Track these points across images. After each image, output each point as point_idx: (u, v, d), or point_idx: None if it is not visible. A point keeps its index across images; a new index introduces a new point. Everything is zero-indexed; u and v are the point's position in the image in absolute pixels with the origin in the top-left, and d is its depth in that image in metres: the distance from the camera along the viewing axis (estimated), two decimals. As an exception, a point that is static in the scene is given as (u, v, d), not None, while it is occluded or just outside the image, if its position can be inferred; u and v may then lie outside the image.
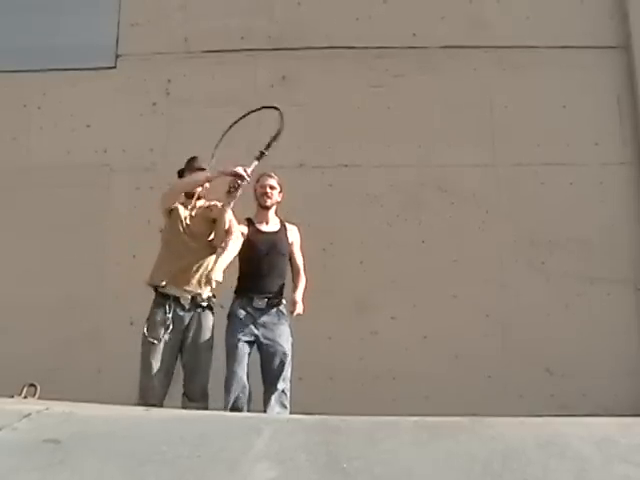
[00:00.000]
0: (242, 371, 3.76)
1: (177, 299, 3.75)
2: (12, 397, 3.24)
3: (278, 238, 4.04)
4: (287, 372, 3.84)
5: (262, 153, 3.81)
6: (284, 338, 3.87)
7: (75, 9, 5.70)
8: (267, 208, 4.06)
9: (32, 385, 3.30)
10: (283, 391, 3.81)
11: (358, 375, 4.93)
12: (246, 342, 3.82)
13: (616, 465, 1.99)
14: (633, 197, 5.21)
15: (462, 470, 1.96)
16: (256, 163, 3.81)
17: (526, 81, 5.40)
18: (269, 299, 3.90)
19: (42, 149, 5.46)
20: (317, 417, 2.80)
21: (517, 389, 4.89)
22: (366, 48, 5.49)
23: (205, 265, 3.82)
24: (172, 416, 2.85)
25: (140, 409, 2.94)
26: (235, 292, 3.97)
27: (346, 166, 5.31)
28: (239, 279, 3.97)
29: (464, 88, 5.41)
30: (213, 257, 3.83)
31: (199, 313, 3.79)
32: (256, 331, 3.84)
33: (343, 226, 5.17)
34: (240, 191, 3.77)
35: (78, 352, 5.03)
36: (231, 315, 3.90)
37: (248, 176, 3.73)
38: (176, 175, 4.12)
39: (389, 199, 5.25)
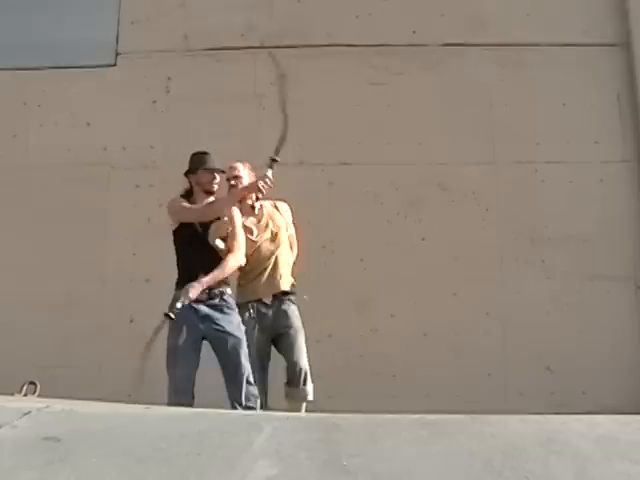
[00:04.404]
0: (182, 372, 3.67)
1: None
2: (12, 395, 3.24)
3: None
4: (244, 361, 3.69)
5: (274, 160, 3.79)
6: (233, 327, 3.74)
7: (75, 7, 5.69)
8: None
9: (32, 383, 3.29)
10: (248, 382, 3.67)
11: (358, 372, 4.93)
12: (190, 339, 3.70)
13: (616, 462, 1.99)
14: (633, 195, 5.20)
15: (462, 467, 1.96)
16: (271, 172, 3.80)
17: (526, 79, 5.39)
18: (210, 289, 3.74)
19: (42, 147, 5.46)
20: (317, 414, 2.80)
21: (517, 387, 4.90)
22: (366, 46, 5.48)
23: None
24: (172, 414, 2.85)
25: (140, 407, 2.93)
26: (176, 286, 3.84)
27: (346, 164, 5.31)
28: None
29: (464, 86, 5.40)
30: None
31: None
32: (200, 325, 3.72)
33: (343, 224, 5.17)
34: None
35: (78, 350, 5.03)
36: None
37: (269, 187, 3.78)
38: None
39: (389, 197, 5.25)
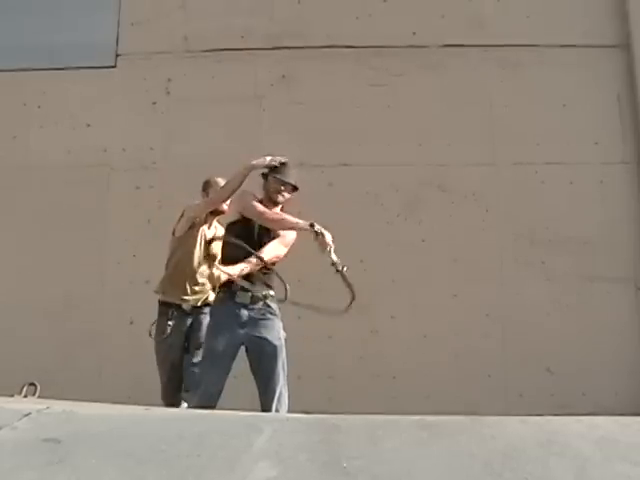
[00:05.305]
0: (213, 375, 3.50)
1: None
2: (12, 396, 3.24)
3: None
4: (279, 370, 3.52)
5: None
6: (274, 335, 3.54)
7: (75, 8, 5.70)
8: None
9: (32, 384, 3.30)
10: (280, 393, 3.52)
11: (358, 374, 4.93)
12: (227, 344, 3.48)
13: (616, 464, 1.99)
14: (633, 196, 5.21)
15: (462, 469, 1.96)
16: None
17: (526, 80, 5.39)
18: (253, 294, 3.52)
19: (42, 148, 5.46)
20: (317, 416, 2.80)
21: (517, 388, 4.90)
22: (366, 47, 5.49)
23: None
24: (172, 415, 2.85)
25: (140, 408, 2.93)
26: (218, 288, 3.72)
27: (346, 165, 5.31)
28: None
29: (464, 87, 5.40)
30: None
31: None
32: (240, 330, 3.50)
33: (343, 225, 5.12)
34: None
35: (78, 351, 5.04)
36: (212, 314, 3.68)
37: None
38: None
39: (389, 198, 5.25)
